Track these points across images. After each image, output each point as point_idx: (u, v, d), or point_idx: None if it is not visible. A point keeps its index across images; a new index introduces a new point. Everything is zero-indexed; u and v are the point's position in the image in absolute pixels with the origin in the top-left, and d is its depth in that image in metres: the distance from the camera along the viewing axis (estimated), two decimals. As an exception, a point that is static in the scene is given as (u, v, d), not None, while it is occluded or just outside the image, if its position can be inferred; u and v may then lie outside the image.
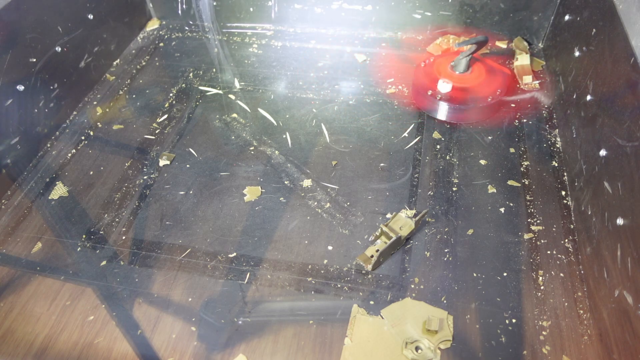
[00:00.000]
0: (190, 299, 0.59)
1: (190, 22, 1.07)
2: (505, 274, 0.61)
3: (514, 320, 0.56)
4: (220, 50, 1.00)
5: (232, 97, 0.89)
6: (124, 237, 0.66)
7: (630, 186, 0.52)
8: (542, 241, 0.64)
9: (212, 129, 0.83)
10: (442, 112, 0.82)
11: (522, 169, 0.73)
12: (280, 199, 0.71)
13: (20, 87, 0.75)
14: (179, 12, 1.07)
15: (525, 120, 0.81)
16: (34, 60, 0.77)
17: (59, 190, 0.73)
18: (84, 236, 0.67)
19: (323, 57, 0.97)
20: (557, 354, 0.54)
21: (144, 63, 0.98)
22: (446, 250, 0.64)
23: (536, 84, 0.88)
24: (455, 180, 0.72)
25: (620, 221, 0.53)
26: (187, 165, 0.76)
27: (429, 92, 0.81)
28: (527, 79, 0.88)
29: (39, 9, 0.78)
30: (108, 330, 0.57)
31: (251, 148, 0.79)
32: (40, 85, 0.79)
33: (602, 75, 0.65)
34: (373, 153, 0.77)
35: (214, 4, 1.04)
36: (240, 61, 0.97)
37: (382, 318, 0.56)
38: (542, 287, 0.59)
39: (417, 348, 0.53)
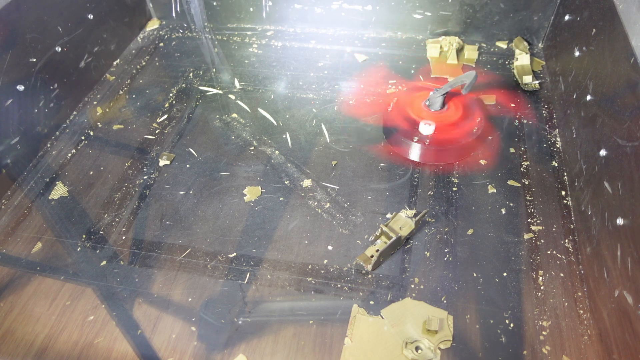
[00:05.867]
0: (190, 299, 0.59)
1: (185, 25, 1.07)
2: (505, 274, 0.61)
3: (514, 321, 0.56)
4: (211, 52, 0.99)
5: (232, 97, 0.89)
6: (124, 237, 0.66)
7: (630, 186, 0.52)
8: (542, 241, 0.64)
9: (212, 129, 0.83)
10: (431, 155, 0.75)
11: (522, 169, 0.73)
12: (280, 199, 0.71)
13: (20, 87, 0.75)
14: (173, 14, 1.07)
15: (525, 121, 0.81)
16: (34, 60, 0.77)
17: (59, 190, 0.73)
18: (84, 236, 0.67)
19: (323, 57, 0.97)
20: (557, 354, 0.53)
21: (144, 63, 0.98)
22: (446, 250, 0.64)
23: (536, 84, 0.88)
24: (455, 180, 0.72)
25: (620, 221, 0.53)
26: (187, 165, 0.76)
27: (415, 139, 0.75)
28: (527, 79, 0.88)
29: (39, 9, 0.78)
30: (108, 330, 0.57)
31: (251, 148, 0.79)
32: (40, 85, 0.79)
33: (602, 75, 0.65)
34: (373, 153, 0.77)
35: (214, 4, 1.04)
36: (240, 61, 0.97)
37: (382, 318, 0.56)
38: (542, 287, 0.59)
39: (417, 348, 0.53)
